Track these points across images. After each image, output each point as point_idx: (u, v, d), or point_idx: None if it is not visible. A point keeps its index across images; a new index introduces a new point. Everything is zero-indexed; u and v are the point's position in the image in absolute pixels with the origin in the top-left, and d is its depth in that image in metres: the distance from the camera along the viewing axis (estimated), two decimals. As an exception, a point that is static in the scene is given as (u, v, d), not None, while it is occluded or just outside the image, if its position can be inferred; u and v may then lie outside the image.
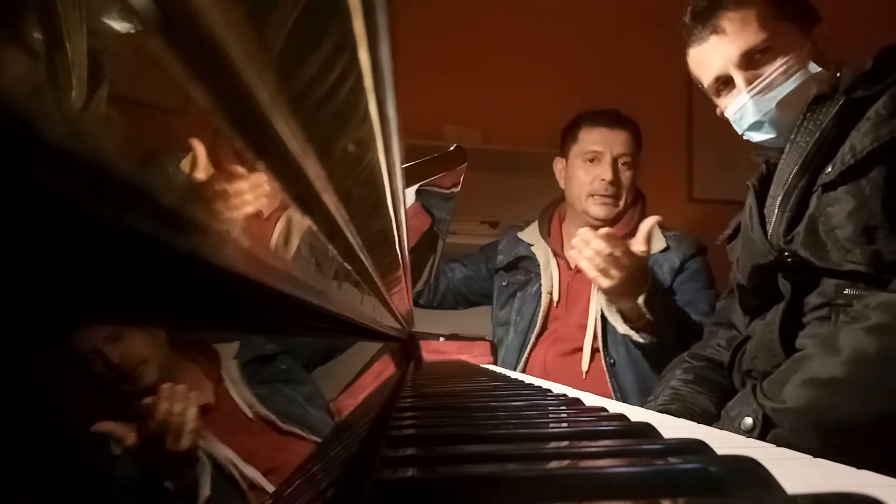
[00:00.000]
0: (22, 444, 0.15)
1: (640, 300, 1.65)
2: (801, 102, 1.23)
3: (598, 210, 1.94)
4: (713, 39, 1.30)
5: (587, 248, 1.61)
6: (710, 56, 1.32)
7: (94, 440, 0.19)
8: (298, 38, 0.21)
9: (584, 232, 1.63)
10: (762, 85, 1.27)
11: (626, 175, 1.94)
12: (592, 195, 1.94)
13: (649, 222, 1.71)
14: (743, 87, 1.29)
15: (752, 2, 1.28)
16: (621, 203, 1.94)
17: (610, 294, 1.69)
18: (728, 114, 1.35)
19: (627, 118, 1.97)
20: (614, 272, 1.60)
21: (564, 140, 2.03)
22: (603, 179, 1.92)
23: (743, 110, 1.31)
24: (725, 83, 1.32)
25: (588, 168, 1.94)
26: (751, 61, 1.28)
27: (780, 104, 1.27)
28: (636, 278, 1.64)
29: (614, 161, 1.92)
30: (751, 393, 1.08)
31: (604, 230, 1.65)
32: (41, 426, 0.16)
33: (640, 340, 1.73)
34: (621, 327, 1.76)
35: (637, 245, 1.66)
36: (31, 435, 0.16)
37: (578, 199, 1.97)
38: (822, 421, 0.98)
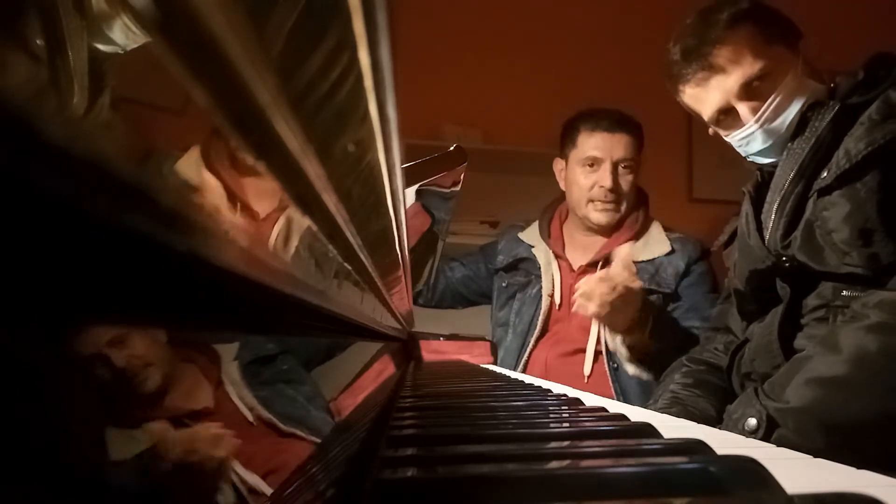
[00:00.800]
0: (22, 446, 0.15)
1: (646, 333, 1.66)
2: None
3: (598, 217, 1.91)
4: (709, 77, 1.29)
5: (591, 303, 1.59)
6: (709, 93, 1.30)
7: (94, 443, 0.19)
8: (298, 38, 0.21)
9: (586, 282, 1.62)
10: (768, 113, 1.26)
11: (626, 179, 1.90)
12: (592, 201, 1.91)
13: (622, 253, 1.68)
14: (749, 117, 1.27)
15: (741, 31, 1.26)
16: (622, 208, 1.92)
17: (621, 330, 1.69)
18: (732, 140, 1.33)
19: (629, 119, 1.92)
20: (629, 308, 1.61)
21: (563, 142, 1.99)
22: (602, 186, 1.88)
23: (750, 138, 1.30)
24: (726, 112, 1.31)
25: (587, 174, 1.91)
26: (750, 91, 1.27)
27: (788, 127, 1.25)
28: (640, 309, 1.65)
29: (614, 167, 1.88)
30: (753, 394, 1.08)
31: (596, 275, 1.64)
32: (41, 428, 0.16)
33: (649, 378, 1.73)
34: (631, 369, 1.75)
35: (630, 281, 1.63)
36: (32, 437, 0.16)
37: (578, 204, 1.94)
38: (826, 420, 0.98)
